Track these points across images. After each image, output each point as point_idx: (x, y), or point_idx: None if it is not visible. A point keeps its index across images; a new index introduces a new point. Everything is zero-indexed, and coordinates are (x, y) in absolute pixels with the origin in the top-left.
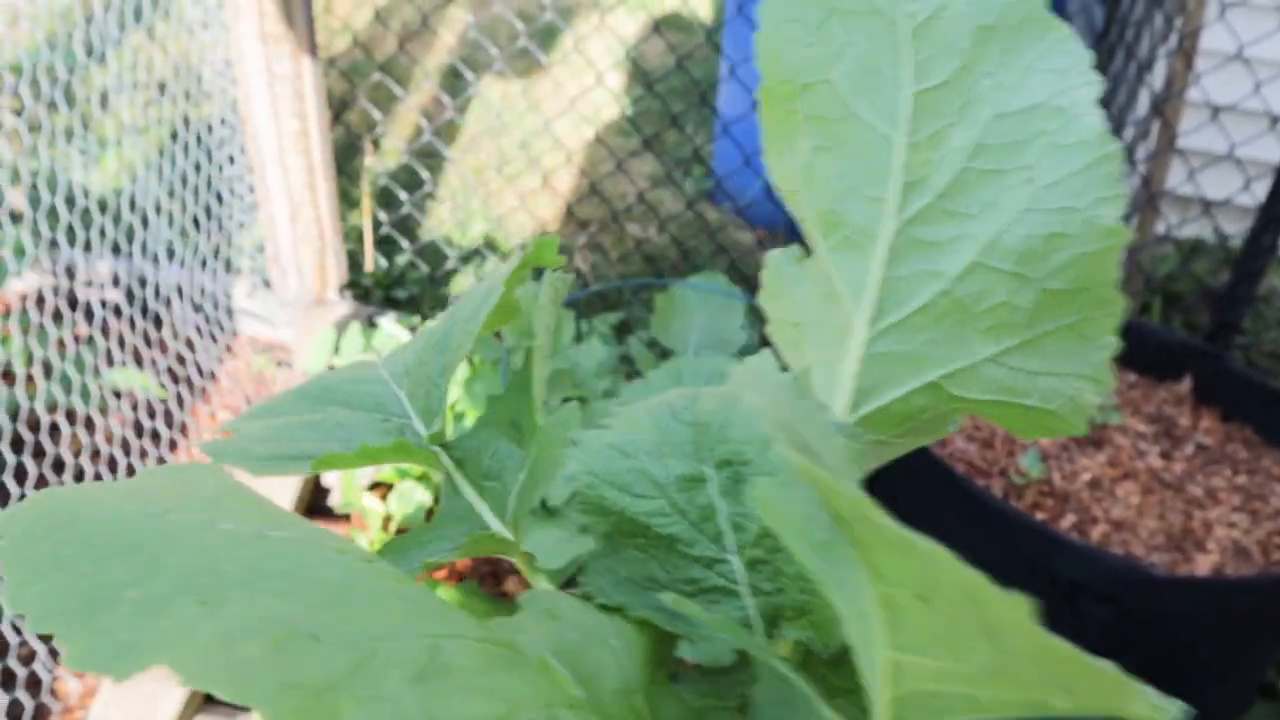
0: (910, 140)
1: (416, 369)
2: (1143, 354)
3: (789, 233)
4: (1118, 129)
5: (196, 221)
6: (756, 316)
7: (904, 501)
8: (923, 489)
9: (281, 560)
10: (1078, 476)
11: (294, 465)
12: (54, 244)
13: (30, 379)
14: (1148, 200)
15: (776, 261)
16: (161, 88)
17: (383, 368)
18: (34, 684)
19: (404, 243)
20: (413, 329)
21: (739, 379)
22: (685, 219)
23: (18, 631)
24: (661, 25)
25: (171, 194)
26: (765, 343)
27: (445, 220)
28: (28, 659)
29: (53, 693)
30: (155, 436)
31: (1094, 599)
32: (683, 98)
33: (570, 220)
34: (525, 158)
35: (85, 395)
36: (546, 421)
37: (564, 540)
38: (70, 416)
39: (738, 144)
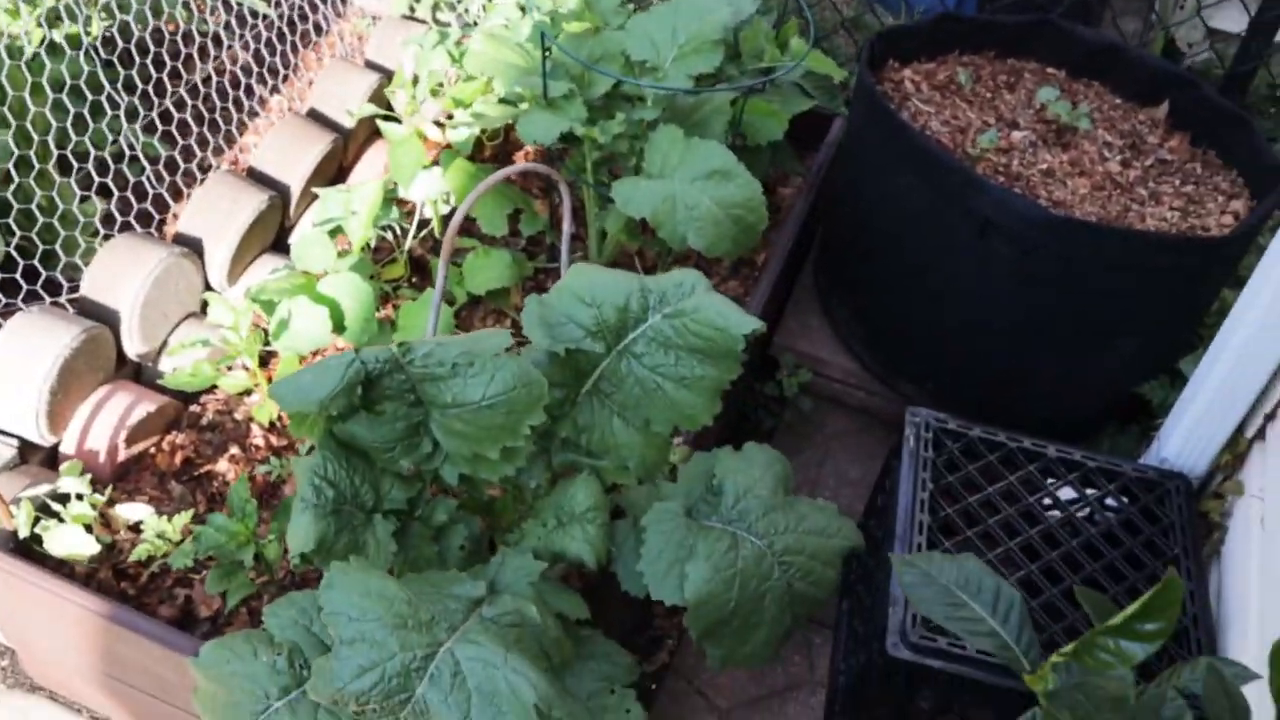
0: None
1: None
2: (1130, 79)
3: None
4: None
5: None
6: None
7: (864, 153)
8: (882, 141)
9: None
10: (1035, 165)
11: None
12: None
13: None
14: None
15: None
16: None
17: None
18: None
19: None
20: None
21: None
22: None
23: None
24: None
25: None
26: None
27: None
28: None
29: None
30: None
31: (1003, 239)
32: None
33: None
34: None
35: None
36: None
37: None
38: (187, 38)
39: None
